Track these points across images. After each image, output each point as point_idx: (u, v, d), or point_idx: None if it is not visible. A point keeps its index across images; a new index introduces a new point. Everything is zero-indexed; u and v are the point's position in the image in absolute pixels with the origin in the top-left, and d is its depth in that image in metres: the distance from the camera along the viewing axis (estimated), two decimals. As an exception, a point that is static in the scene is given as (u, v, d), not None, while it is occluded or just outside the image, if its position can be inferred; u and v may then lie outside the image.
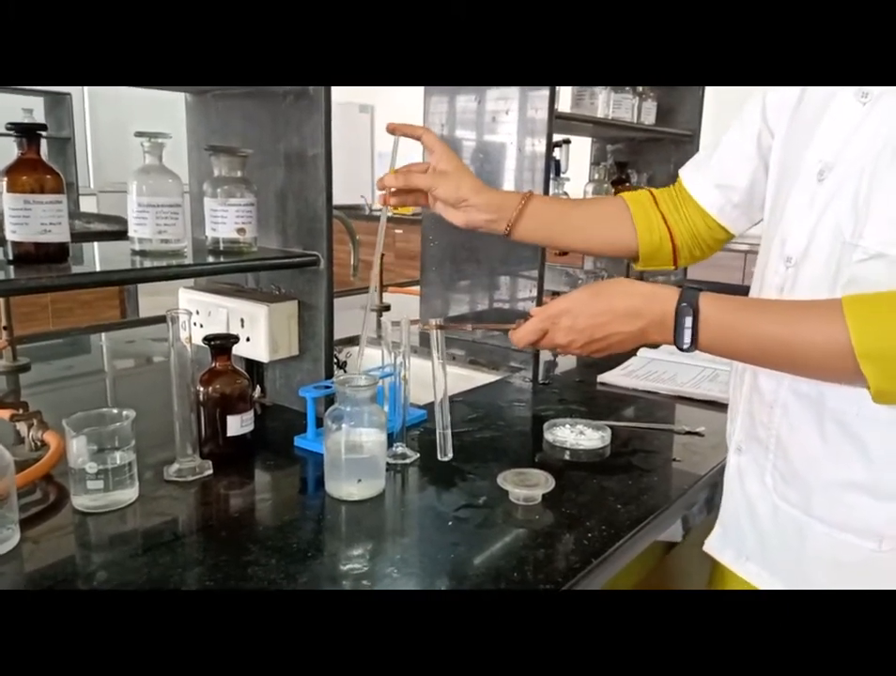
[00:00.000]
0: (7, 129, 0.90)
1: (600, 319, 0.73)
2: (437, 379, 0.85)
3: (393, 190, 0.95)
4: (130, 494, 0.84)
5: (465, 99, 1.64)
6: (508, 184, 1.59)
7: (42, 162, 0.89)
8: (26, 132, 0.89)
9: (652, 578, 0.90)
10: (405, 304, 2.02)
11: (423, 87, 1.70)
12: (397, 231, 5.78)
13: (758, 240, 0.86)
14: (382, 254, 1.10)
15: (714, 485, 0.94)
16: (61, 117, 4.18)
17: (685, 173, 0.96)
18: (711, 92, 2.08)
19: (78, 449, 0.81)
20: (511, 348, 1.56)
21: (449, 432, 0.86)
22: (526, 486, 0.85)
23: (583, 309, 0.75)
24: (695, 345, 0.70)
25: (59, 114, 4.15)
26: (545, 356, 1.56)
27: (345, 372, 1.38)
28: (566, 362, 1.55)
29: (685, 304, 0.70)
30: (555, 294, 2.11)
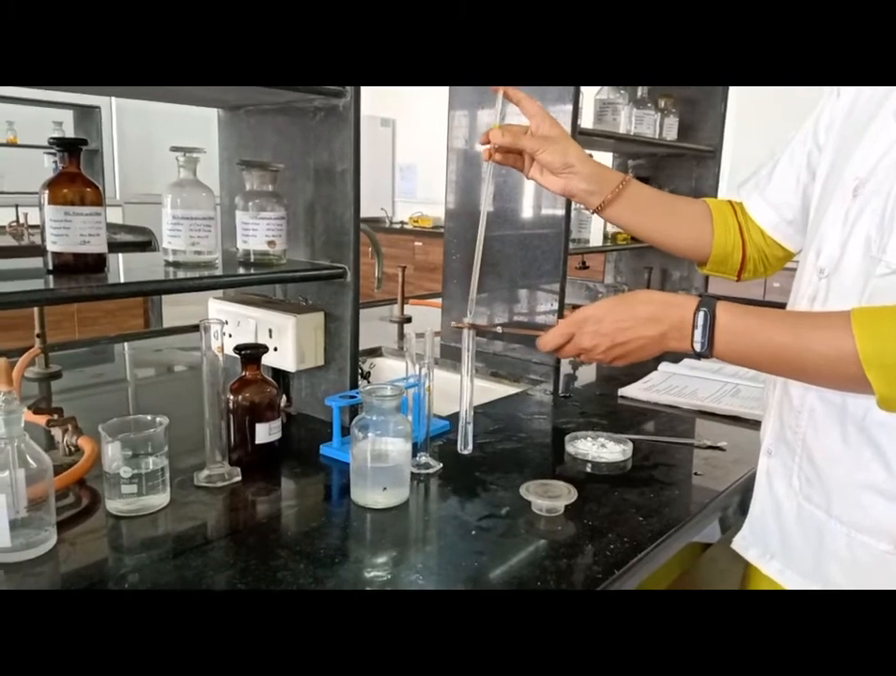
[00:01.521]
0: (50, 143, 0.93)
1: (623, 324, 0.76)
2: (464, 377, 0.87)
3: (496, 146, 0.92)
4: (162, 499, 0.86)
5: (486, 114, 1.67)
6: (527, 199, 1.61)
7: (82, 176, 0.92)
8: (68, 147, 0.92)
9: (686, 578, 0.92)
10: (426, 316, 2.04)
11: (445, 102, 1.73)
12: (417, 243, 5.82)
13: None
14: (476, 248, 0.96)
15: (745, 491, 0.95)
16: (90, 130, 4.28)
17: (744, 191, 0.99)
18: (732, 108, 2.09)
19: (113, 454, 0.83)
20: (532, 361, 1.58)
21: (471, 426, 0.88)
22: (549, 498, 0.86)
23: (607, 314, 0.77)
24: (711, 350, 0.72)
25: (88, 126, 4.25)
26: (565, 369, 1.58)
27: (368, 382, 1.40)
28: (586, 376, 1.56)
29: (703, 310, 0.72)
30: (575, 307, 2.12)
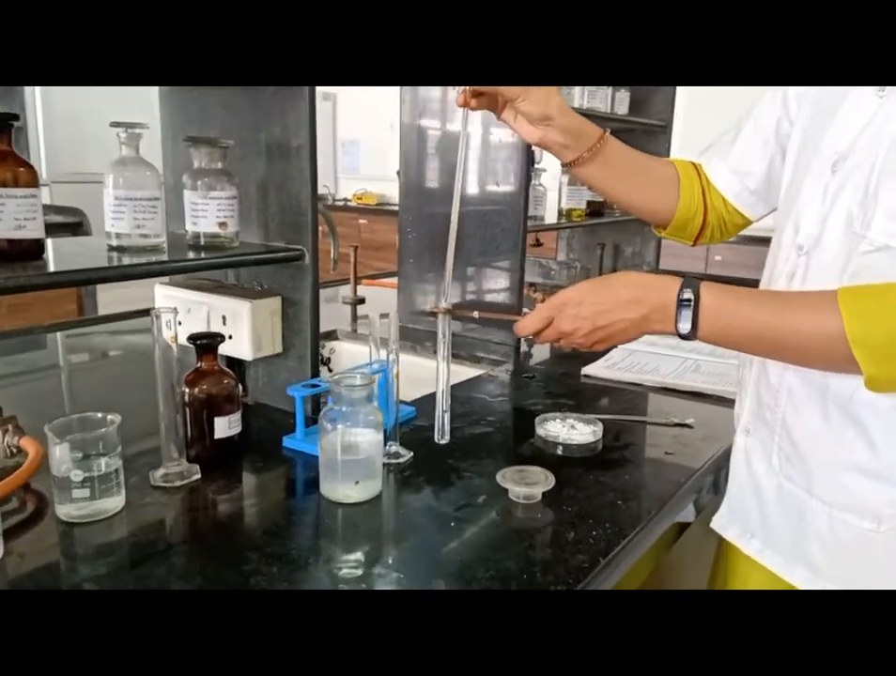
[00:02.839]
0: (-25, 118, 0.85)
1: (604, 306, 0.73)
2: (440, 364, 0.84)
3: (471, 89, 0.84)
4: (116, 502, 0.80)
5: (435, 89, 1.61)
6: (484, 176, 1.57)
7: (14, 154, 0.85)
8: (-4, 123, 0.84)
9: (667, 558, 0.91)
10: (380, 297, 2.00)
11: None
12: (361, 221, 5.73)
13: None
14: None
15: (718, 471, 0.95)
16: (12, 105, 4.03)
17: (705, 158, 0.97)
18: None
19: (61, 456, 0.77)
20: (492, 341, 1.55)
21: (448, 415, 0.85)
22: (526, 484, 0.84)
23: (587, 297, 0.75)
24: (695, 332, 0.70)
25: (10, 101, 4.00)
26: (523, 348, 1.56)
27: (329, 369, 1.36)
28: (543, 355, 1.55)
29: (687, 291, 0.70)
30: (531, 285, 2.11)
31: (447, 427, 0.84)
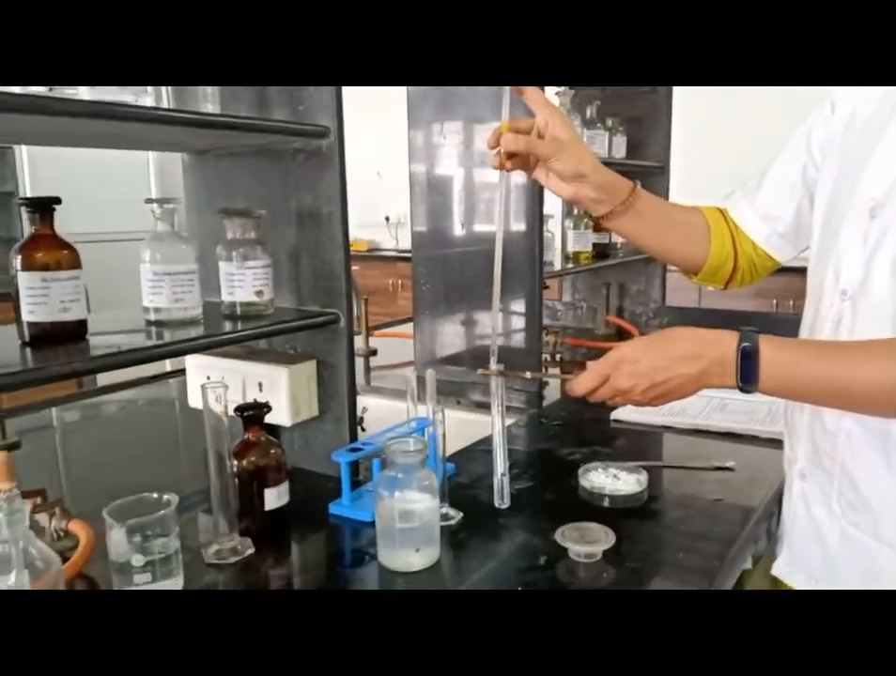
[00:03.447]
0: (19, 203, 0.85)
1: (661, 363, 0.74)
2: (495, 427, 0.84)
3: (503, 151, 0.83)
4: (176, 583, 0.79)
5: (452, 132, 1.63)
6: (493, 219, 1.58)
7: (57, 237, 0.85)
8: (40, 207, 0.84)
9: None
10: (393, 348, 1.99)
11: (377, 123, 1.68)
12: (354, 267, 5.74)
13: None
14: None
15: (770, 516, 0.95)
16: (3, 171, 4.04)
17: (732, 204, 1.00)
18: (677, 126, 2.14)
19: (119, 540, 0.76)
20: (513, 387, 1.55)
21: (507, 478, 0.84)
22: (587, 543, 0.83)
23: (644, 354, 0.75)
24: (757, 385, 0.71)
25: (2, 167, 4.01)
26: (548, 393, 1.56)
27: (362, 428, 1.35)
28: (564, 398, 1.54)
29: (746, 344, 0.71)
30: (545, 330, 2.12)
31: (507, 490, 0.84)
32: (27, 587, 0.66)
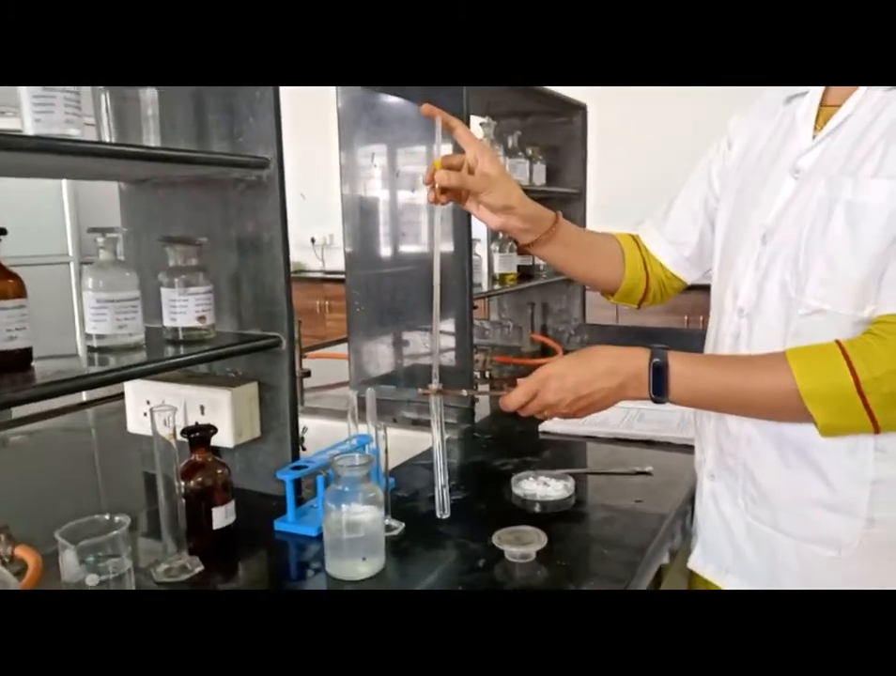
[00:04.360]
0: (-39, 234, 0.86)
1: (584, 378, 0.82)
2: (435, 442, 0.90)
3: (437, 187, 0.88)
4: (129, 603, 0.81)
5: (380, 154, 1.69)
6: (423, 241, 1.66)
7: (3, 267, 0.86)
8: (-17, 237, 0.86)
9: None
10: (325, 368, 2.03)
11: (298, 144, 1.70)
12: (279, 289, 5.70)
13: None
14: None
15: (685, 514, 1.04)
16: None
17: (644, 231, 1.10)
18: (593, 153, 2.27)
19: (73, 561, 0.78)
20: (447, 404, 1.61)
21: (447, 489, 0.90)
22: (522, 544, 0.90)
23: (568, 370, 0.83)
24: (667, 396, 0.80)
25: None
26: (479, 409, 1.63)
27: (303, 449, 1.38)
28: (494, 413, 1.62)
29: (657, 360, 0.79)
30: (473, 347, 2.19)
31: (447, 501, 0.90)
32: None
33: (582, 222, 2.27)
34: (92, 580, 0.77)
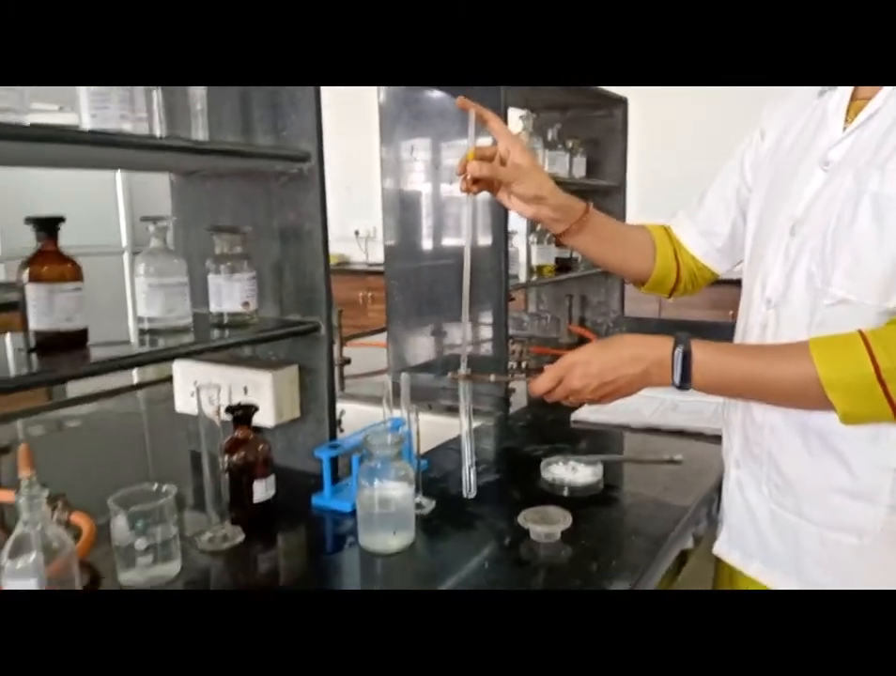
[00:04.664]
0: (26, 222, 0.93)
1: (610, 364, 0.84)
2: (463, 426, 0.93)
3: (470, 177, 0.90)
4: (174, 567, 0.87)
5: (421, 148, 1.73)
6: (462, 234, 1.68)
7: (61, 253, 0.93)
8: (45, 226, 0.92)
9: (675, 583, 1.01)
10: (367, 357, 2.08)
11: (344, 137, 1.76)
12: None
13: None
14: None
15: (711, 502, 1.05)
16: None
17: (675, 222, 1.11)
18: (633, 146, 2.27)
19: (123, 526, 0.84)
20: (481, 393, 1.65)
21: (474, 470, 0.93)
22: (546, 524, 0.93)
23: (593, 357, 0.85)
24: (689, 383, 0.82)
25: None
26: (515, 399, 1.66)
27: (341, 430, 1.43)
28: (522, 403, 1.64)
29: (680, 347, 0.81)
30: (508, 338, 2.22)
31: (473, 481, 0.93)
32: (43, 566, 0.73)
33: (622, 216, 2.27)
34: (140, 544, 0.83)
